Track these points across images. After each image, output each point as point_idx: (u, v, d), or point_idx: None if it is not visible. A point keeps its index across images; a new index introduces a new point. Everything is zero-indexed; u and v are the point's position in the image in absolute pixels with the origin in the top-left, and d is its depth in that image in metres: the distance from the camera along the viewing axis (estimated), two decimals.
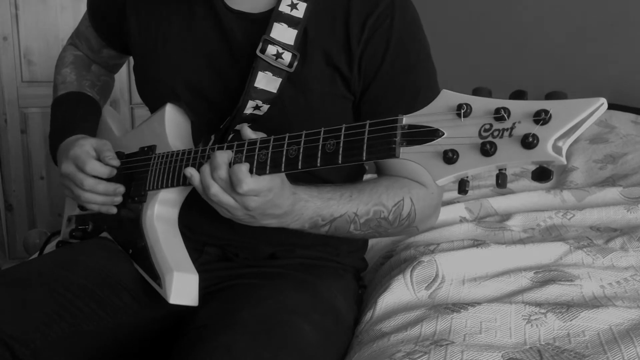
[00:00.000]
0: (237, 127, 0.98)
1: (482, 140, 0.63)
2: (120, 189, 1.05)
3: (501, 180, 0.64)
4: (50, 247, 1.29)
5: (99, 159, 1.06)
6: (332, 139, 0.77)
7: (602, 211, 1.49)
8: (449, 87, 0.67)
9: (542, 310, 0.96)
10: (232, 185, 0.84)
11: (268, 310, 0.91)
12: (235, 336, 0.84)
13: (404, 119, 0.70)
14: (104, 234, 1.15)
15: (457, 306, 1.00)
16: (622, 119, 2.15)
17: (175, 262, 0.97)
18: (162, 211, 1.02)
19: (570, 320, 0.94)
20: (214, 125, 1.02)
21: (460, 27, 2.60)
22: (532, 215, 1.49)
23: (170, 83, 1.07)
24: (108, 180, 1.06)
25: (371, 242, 1.36)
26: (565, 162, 0.60)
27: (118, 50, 1.25)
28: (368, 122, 0.73)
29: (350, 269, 1.16)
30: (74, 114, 1.19)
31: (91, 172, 1.04)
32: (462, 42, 2.58)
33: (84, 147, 1.06)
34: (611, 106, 2.13)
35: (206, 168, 0.87)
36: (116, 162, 1.06)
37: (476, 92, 0.65)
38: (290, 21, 0.98)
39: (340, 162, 0.76)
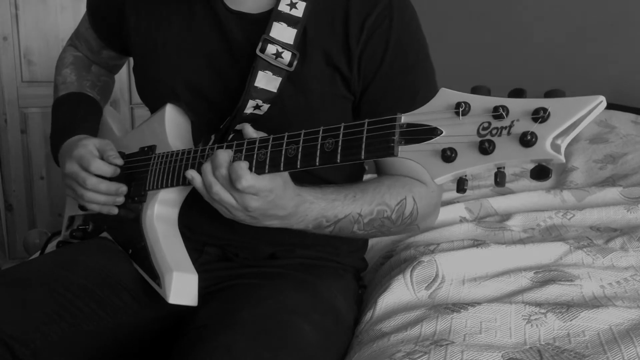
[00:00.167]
0: (238, 126, 0.98)
1: (480, 139, 0.63)
2: (123, 188, 1.06)
3: (500, 178, 0.64)
4: (50, 247, 1.29)
5: (102, 158, 1.06)
6: (330, 138, 0.77)
7: (602, 211, 1.49)
8: (449, 87, 0.67)
9: (542, 310, 0.96)
10: (232, 183, 0.84)
11: (268, 310, 0.91)
12: (235, 336, 0.84)
13: (403, 118, 0.70)
14: (104, 234, 1.15)
15: (457, 306, 1.00)
16: (622, 119, 2.15)
17: (175, 262, 0.97)
18: (162, 211, 1.02)
19: (570, 320, 0.94)
20: (214, 125, 1.02)
21: (460, 27, 2.60)
22: (532, 215, 1.49)
23: (170, 83, 1.08)
24: (110, 180, 1.06)
25: (371, 242, 1.36)
26: (564, 160, 0.60)
27: (118, 51, 1.25)
28: (367, 120, 0.73)
29: (350, 269, 1.16)
30: (75, 114, 1.20)
31: (96, 171, 1.04)
32: (462, 42, 2.58)
33: (88, 146, 1.06)
34: (611, 106, 2.13)
35: (207, 167, 0.87)
36: (119, 161, 1.06)
37: (475, 90, 0.65)
38: (290, 20, 0.98)
39: (339, 161, 0.76)
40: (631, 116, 2.16)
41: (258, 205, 0.85)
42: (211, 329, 0.88)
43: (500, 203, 1.61)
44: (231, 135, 1.00)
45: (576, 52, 2.44)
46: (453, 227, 1.43)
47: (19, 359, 0.88)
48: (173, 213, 1.03)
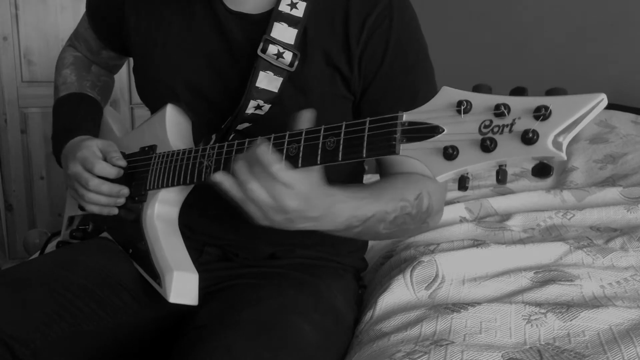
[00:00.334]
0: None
1: (482, 137, 0.63)
2: (125, 190, 1.05)
3: (501, 176, 0.64)
4: (50, 247, 1.29)
5: (105, 159, 1.06)
6: (332, 136, 0.77)
7: (602, 211, 1.49)
8: (450, 86, 0.67)
9: (542, 310, 0.96)
10: (271, 175, 0.78)
11: (268, 310, 0.91)
12: (235, 336, 0.84)
13: (404, 116, 0.69)
14: (104, 234, 1.15)
15: (457, 306, 1.00)
16: (622, 119, 2.15)
17: (175, 262, 0.97)
18: (162, 210, 1.02)
19: (570, 320, 0.94)
20: (214, 125, 1.02)
21: (461, 27, 2.60)
22: (532, 215, 1.49)
23: (170, 83, 1.07)
24: (113, 181, 1.06)
25: (371, 242, 1.36)
26: (565, 158, 0.60)
27: (117, 52, 1.25)
28: (368, 119, 0.73)
29: (350, 269, 1.16)
30: (76, 114, 1.19)
31: (99, 173, 1.04)
32: (462, 42, 2.58)
33: (91, 148, 1.06)
34: (611, 106, 2.13)
35: (242, 165, 0.80)
36: (123, 163, 1.06)
37: (476, 88, 0.65)
38: (290, 20, 0.98)
39: (340, 159, 0.76)
40: (631, 116, 2.17)
41: (295, 205, 0.80)
42: (211, 329, 0.88)
43: (500, 203, 1.61)
44: (232, 135, 1.00)
45: (576, 52, 2.44)
46: (453, 227, 1.43)
47: (19, 359, 0.88)
48: (173, 212, 1.03)
